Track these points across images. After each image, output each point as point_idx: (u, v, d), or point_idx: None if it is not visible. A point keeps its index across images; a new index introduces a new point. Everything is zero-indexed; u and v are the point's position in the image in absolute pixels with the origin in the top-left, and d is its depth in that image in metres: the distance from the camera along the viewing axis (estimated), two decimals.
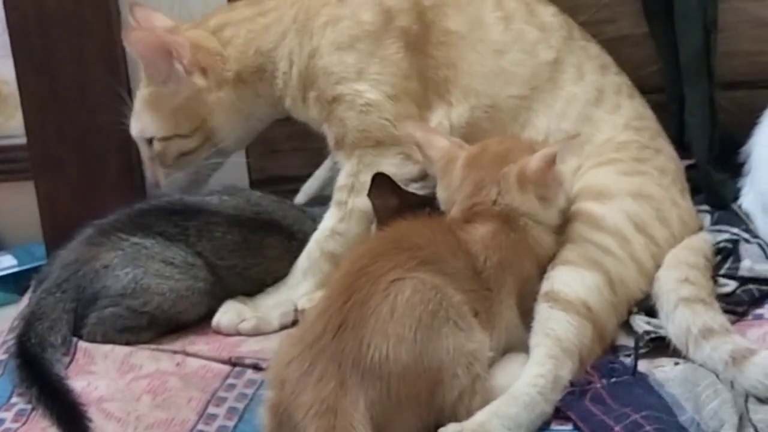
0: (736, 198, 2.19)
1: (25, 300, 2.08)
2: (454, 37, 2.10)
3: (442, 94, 2.09)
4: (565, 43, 2.14)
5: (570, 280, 1.83)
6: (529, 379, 1.71)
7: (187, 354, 1.94)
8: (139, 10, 2.19)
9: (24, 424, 1.78)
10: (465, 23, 2.11)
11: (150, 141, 2.15)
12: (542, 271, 1.86)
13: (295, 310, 2.02)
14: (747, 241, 2.08)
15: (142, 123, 2.15)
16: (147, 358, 1.93)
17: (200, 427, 1.76)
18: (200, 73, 2.10)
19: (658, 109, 2.22)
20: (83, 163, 2.41)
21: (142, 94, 2.15)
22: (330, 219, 2.07)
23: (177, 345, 1.98)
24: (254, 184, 2.41)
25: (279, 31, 2.12)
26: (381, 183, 1.93)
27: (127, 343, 1.97)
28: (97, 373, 1.89)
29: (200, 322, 2.03)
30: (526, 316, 1.81)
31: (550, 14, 2.17)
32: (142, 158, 2.21)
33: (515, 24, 2.13)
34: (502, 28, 2.12)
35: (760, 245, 2.07)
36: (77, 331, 1.97)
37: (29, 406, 1.80)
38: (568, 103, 2.10)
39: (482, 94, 2.09)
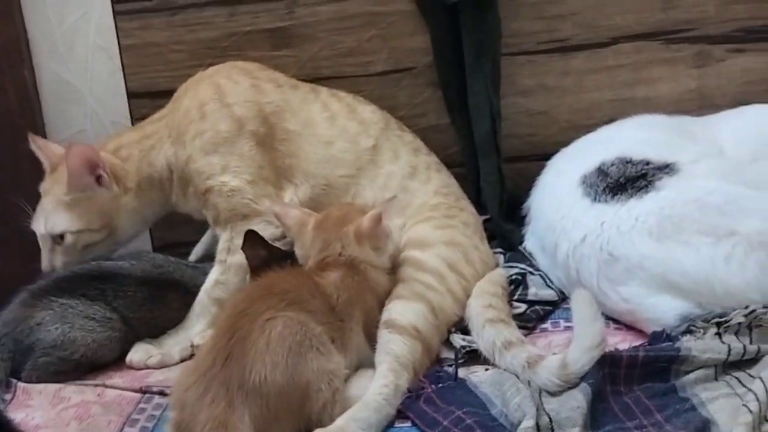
0: (521, 242, 2.16)
1: None
2: (292, 134, 2.06)
3: (289, 178, 2.04)
4: (382, 132, 2.11)
5: (403, 310, 1.78)
6: (376, 389, 1.67)
7: (106, 386, 1.84)
8: (38, 140, 2.07)
9: None
10: (300, 123, 2.06)
11: (59, 236, 2.00)
12: (381, 305, 1.81)
13: (192, 345, 1.93)
14: (532, 273, 2.05)
15: (52, 222, 2.00)
16: (74, 392, 1.82)
17: None
18: (115, 183, 2.01)
19: (460, 178, 2.20)
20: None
21: (56, 198, 2.00)
22: (214, 273, 2.00)
23: (98, 379, 1.87)
24: (156, 248, 2.32)
25: (159, 147, 2.05)
26: (252, 238, 1.88)
27: (57, 382, 1.84)
28: (34, 406, 1.78)
29: (116, 361, 1.93)
30: (371, 339, 1.76)
31: (369, 111, 2.14)
32: (42, 252, 2.04)
33: (339, 121, 2.09)
34: (328, 125, 2.08)
35: (541, 276, 2.05)
36: (17, 375, 1.84)
37: None
38: (388, 178, 2.06)
39: (318, 176, 2.04)
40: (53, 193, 2.01)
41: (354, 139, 2.08)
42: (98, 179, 1.98)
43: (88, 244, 2.01)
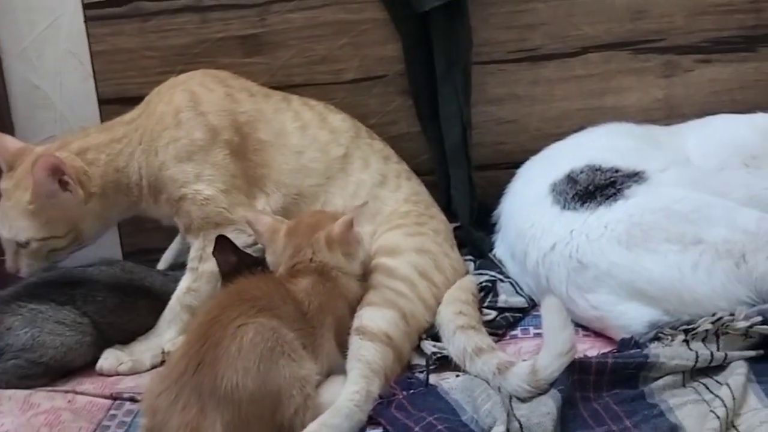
0: (491, 249, 2.17)
1: None
2: (265, 144, 2.05)
3: (261, 187, 2.04)
4: (352, 141, 2.12)
5: (374, 317, 1.79)
6: (348, 395, 1.67)
7: (77, 392, 1.83)
8: None
9: None
10: (272, 133, 2.06)
11: (24, 243, 1.96)
12: (352, 311, 1.81)
13: (163, 352, 1.92)
14: (501, 280, 2.06)
15: (16, 228, 1.95)
16: (44, 398, 1.80)
17: None
18: (79, 187, 1.97)
19: (430, 186, 2.21)
20: None
21: (21, 205, 1.95)
22: (186, 280, 1.99)
23: (68, 386, 1.85)
24: (126, 255, 2.31)
25: (129, 152, 2.02)
26: (223, 243, 1.88)
27: (27, 388, 1.82)
28: (4, 412, 1.76)
29: (86, 367, 1.91)
30: (342, 346, 1.76)
31: (339, 120, 2.14)
32: (6, 252, 2.00)
33: (310, 130, 2.09)
34: (300, 134, 2.08)
35: (511, 283, 2.06)
36: None
37: None
38: (358, 186, 2.07)
39: (289, 185, 2.04)
40: (16, 199, 1.95)
41: (324, 148, 2.08)
42: (63, 184, 1.94)
43: (53, 249, 1.98)
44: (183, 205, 1.99)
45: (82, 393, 1.82)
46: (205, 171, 1.99)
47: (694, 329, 1.73)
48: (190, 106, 2.02)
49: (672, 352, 1.69)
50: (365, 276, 1.87)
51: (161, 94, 2.07)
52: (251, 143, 2.04)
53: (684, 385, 1.67)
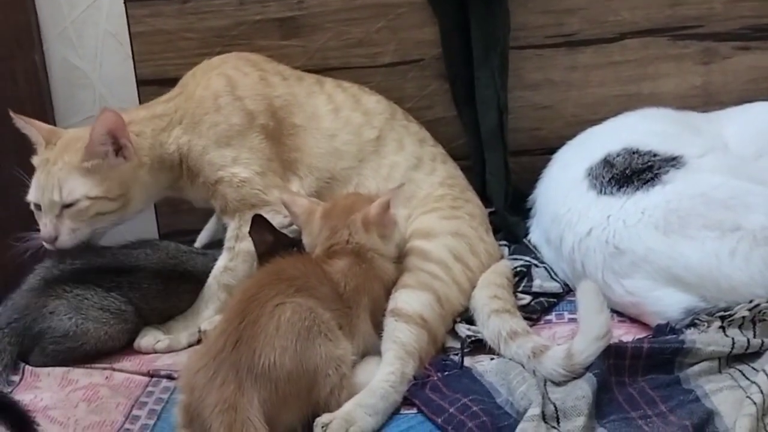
0: (526, 234, 2.17)
1: None
2: (298, 129, 2.06)
3: (295, 171, 2.04)
4: (387, 123, 2.11)
5: (409, 299, 1.79)
6: (383, 376, 1.68)
7: (114, 369, 1.85)
8: (23, 117, 2.00)
9: None
10: (305, 117, 2.07)
11: (72, 202, 1.93)
12: (388, 293, 1.81)
13: (199, 331, 1.93)
14: (536, 266, 2.06)
15: (68, 188, 1.92)
16: (82, 374, 1.82)
17: (127, 426, 1.69)
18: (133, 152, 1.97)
19: (466, 171, 2.20)
20: None
21: (72, 164, 1.92)
22: (223, 259, 2.00)
23: (106, 363, 1.87)
24: (162, 235, 2.32)
25: (170, 130, 2.02)
26: (259, 223, 1.88)
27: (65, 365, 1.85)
28: (42, 388, 1.78)
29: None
30: (378, 327, 1.77)
31: (374, 101, 2.14)
32: (43, 221, 1.95)
33: (343, 113, 2.09)
34: (332, 117, 2.08)
35: (546, 268, 2.05)
36: (25, 358, 1.85)
37: None
38: (392, 168, 2.07)
39: (322, 169, 2.05)
40: (65, 161, 1.93)
41: (357, 131, 2.08)
42: (117, 150, 1.93)
43: (99, 213, 1.94)
44: (219, 188, 2.00)
45: (119, 370, 1.84)
46: (242, 154, 2.00)
47: (730, 316, 1.73)
48: (227, 91, 2.03)
49: (708, 339, 1.69)
50: (400, 259, 1.88)
51: (196, 77, 2.08)
52: (286, 128, 2.05)
53: (720, 371, 1.66)
